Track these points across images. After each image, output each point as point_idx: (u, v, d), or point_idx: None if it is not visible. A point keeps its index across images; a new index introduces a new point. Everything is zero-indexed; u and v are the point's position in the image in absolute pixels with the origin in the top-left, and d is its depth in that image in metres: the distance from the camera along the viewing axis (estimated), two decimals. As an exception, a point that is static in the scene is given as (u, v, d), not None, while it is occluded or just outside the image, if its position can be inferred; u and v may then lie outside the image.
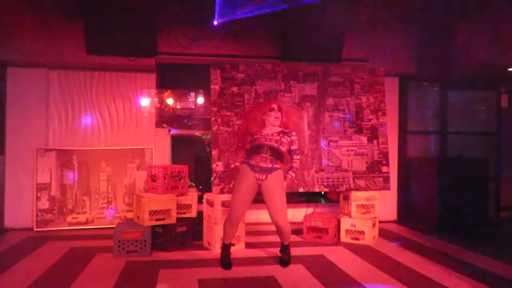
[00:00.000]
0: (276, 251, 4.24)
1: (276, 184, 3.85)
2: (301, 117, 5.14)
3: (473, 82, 6.53)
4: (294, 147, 4.05)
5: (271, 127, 4.03)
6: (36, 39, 5.24)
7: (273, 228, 4.90)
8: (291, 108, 4.42)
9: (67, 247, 4.55)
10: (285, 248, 4.10)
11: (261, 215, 5.72)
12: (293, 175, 4.07)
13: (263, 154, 3.86)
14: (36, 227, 5.32)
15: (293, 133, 4.06)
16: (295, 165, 4.06)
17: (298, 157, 4.09)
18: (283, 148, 3.96)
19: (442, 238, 5.22)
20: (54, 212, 5.42)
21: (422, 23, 5.64)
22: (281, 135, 3.97)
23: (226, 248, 4.04)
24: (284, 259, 4.06)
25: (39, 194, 5.40)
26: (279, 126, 4.05)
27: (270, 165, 3.85)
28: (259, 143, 3.93)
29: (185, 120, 6.13)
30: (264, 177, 3.84)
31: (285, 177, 4.00)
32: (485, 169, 6.15)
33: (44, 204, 5.40)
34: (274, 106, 4.06)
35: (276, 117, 4.01)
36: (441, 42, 5.61)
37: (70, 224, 5.44)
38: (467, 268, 4.02)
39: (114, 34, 5.00)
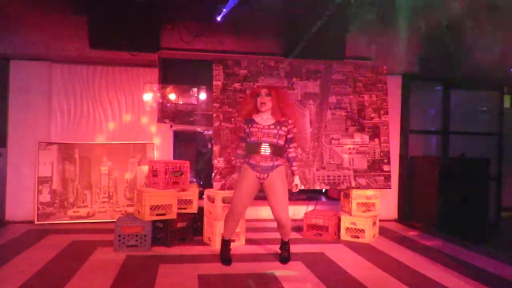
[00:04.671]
0: (276, 248, 4.25)
1: (277, 181, 3.82)
2: (302, 114, 5.13)
3: (475, 82, 6.53)
4: (290, 135, 3.93)
5: (263, 114, 3.90)
6: (39, 32, 5.25)
7: (273, 224, 4.89)
8: (285, 94, 4.19)
9: (68, 240, 4.57)
10: (285, 245, 4.10)
11: (262, 212, 5.73)
12: (295, 164, 4.03)
13: (263, 153, 3.79)
14: (37, 220, 5.33)
15: (290, 121, 3.90)
16: (292, 155, 3.98)
17: (295, 144, 4.02)
18: (282, 141, 3.87)
19: (443, 237, 5.22)
20: (55, 205, 5.44)
21: (426, 23, 5.62)
22: (278, 127, 3.83)
23: (226, 244, 4.04)
24: (284, 256, 4.06)
25: (40, 187, 5.42)
26: (271, 113, 3.89)
27: (271, 164, 3.81)
28: (256, 140, 3.82)
29: (188, 116, 6.13)
30: (265, 176, 3.81)
31: (292, 173, 4.02)
32: (486, 169, 6.14)
33: (45, 197, 5.41)
34: (262, 91, 3.91)
35: (262, 103, 3.86)
36: (445, 42, 5.59)
37: (71, 217, 5.46)
38: (467, 267, 4.02)
39: (117, 28, 5.02)
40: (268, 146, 3.81)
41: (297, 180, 4.06)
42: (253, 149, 3.84)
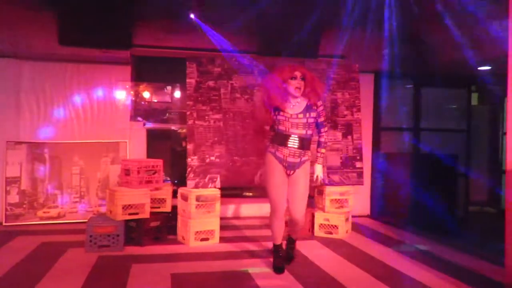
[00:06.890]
0: (250, 245, 4.27)
1: (302, 179, 3.64)
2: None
3: (444, 80, 6.68)
4: (321, 119, 3.69)
5: (293, 99, 3.61)
6: (6, 29, 5.06)
7: (248, 222, 4.93)
8: (316, 77, 3.80)
9: (38, 242, 4.46)
10: (292, 243, 3.99)
11: (237, 210, 5.73)
12: (323, 151, 3.79)
13: (291, 148, 3.55)
14: (5, 222, 5.19)
15: (319, 103, 3.64)
16: (323, 139, 3.77)
17: (326, 129, 3.78)
18: (312, 130, 3.64)
19: (414, 232, 5.33)
20: (25, 206, 5.30)
21: (396, 22, 5.72)
22: (308, 114, 3.57)
23: (276, 249, 3.79)
24: (291, 256, 3.93)
25: (8, 188, 5.27)
26: (304, 97, 3.63)
27: (298, 160, 3.59)
28: (284, 130, 3.57)
29: (162, 114, 6.06)
30: (292, 172, 3.63)
31: (316, 158, 3.76)
32: (455, 165, 6.30)
33: (14, 198, 5.27)
34: (297, 73, 3.58)
35: (297, 87, 3.55)
36: (413, 42, 5.69)
37: (41, 218, 5.33)
38: (437, 261, 4.13)
39: (87, 24, 4.89)
40: (296, 139, 3.55)
41: (318, 170, 3.75)
42: (281, 140, 3.59)
